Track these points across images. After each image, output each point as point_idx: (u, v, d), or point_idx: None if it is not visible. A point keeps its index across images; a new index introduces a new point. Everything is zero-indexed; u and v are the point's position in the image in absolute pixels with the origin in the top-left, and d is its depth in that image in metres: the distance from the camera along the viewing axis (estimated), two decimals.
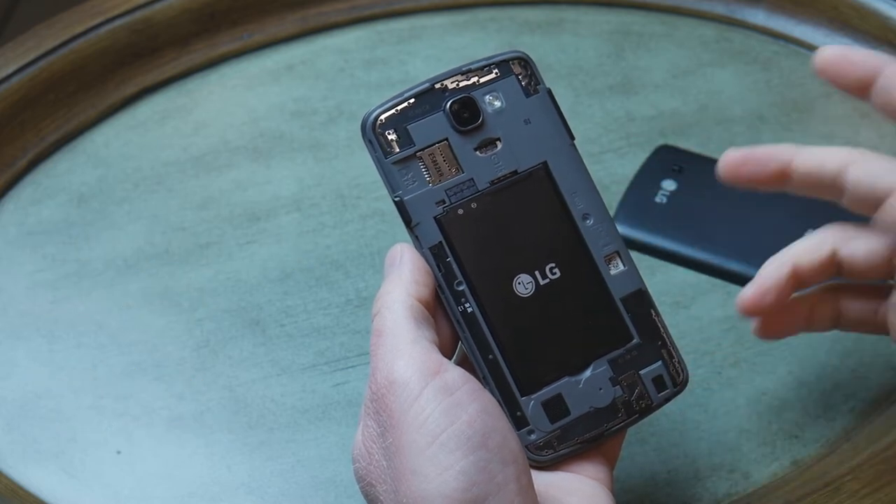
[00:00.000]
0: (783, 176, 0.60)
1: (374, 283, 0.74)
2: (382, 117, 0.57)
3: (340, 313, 0.73)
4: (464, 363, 0.58)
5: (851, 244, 0.60)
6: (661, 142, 0.79)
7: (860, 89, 0.59)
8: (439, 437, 0.51)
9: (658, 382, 0.58)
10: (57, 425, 0.69)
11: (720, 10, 0.86)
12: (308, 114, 0.83)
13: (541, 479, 0.55)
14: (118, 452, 0.68)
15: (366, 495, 0.55)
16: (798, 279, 0.60)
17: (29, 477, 0.67)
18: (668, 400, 0.59)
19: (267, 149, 0.81)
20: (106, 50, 0.84)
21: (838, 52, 0.59)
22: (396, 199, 0.57)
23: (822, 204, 0.74)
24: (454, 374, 0.53)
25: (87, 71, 0.84)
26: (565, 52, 0.85)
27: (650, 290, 0.59)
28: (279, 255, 0.76)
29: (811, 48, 0.84)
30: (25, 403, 0.70)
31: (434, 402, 0.52)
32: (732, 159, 0.61)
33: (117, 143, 0.82)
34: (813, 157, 0.59)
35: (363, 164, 0.80)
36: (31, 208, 0.79)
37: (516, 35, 0.86)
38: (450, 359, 0.57)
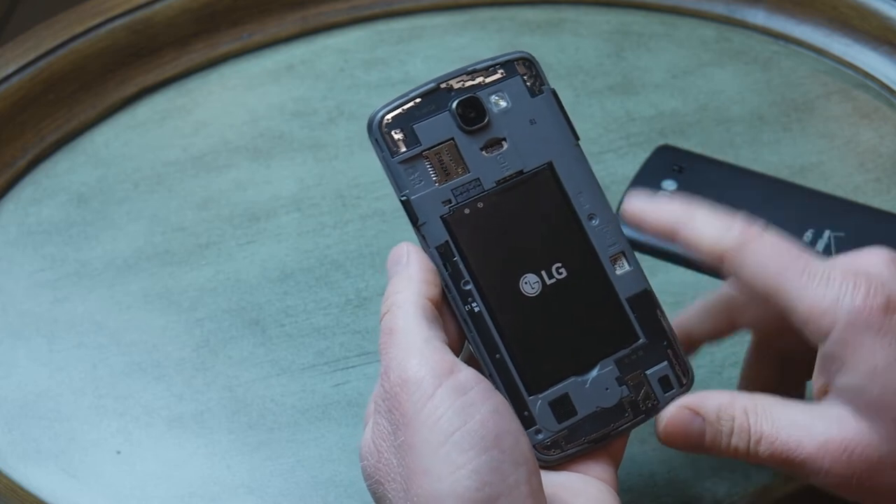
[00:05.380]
0: (672, 238, 0.60)
1: (374, 283, 0.74)
2: (388, 117, 0.57)
3: (340, 313, 0.73)
4: (470, 362, 0.58)
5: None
6: (661, 142, 0.79)
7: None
8: (452, 437, 0.51)
9: (664, 382, 0.58)
10: (57, 425, 0.69)
11: (720, 10, 0.86)
12: (308, 114, 0.83)
13: (547, 480, 0.55)
14: (118, 452, 0.68)
15: (373, 493, 0.54)
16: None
17: (29, 477, 0.67)
18: (673, 399, 0.58)
19: (267, 149, 0.81)
20: (106, 50, 0.84)
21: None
22: (403, 198, 0.57)
23: (822, 204, 0.74)
24: (467, 374, 0.53)
25: (87, 71, 0.84)
26: (565, 52, 0.85)
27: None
28: (279, 255, 0.76)
29: (811, 48, 0.84)
30: (25, 403, 0.70)
31: (447, 402, 0.52)
32: (633, 210, 0.60)
33: (117, 143, 0.82)
34: (694, 235, 0.59)
35: (363, 164, 0.80)
36: (31, 208, 0.79)
37: (516, 35, 0.86)
38: (458, 357, 0.57)
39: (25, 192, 0.80)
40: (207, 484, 0.66)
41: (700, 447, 0.58)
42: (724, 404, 0.58)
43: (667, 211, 0.59)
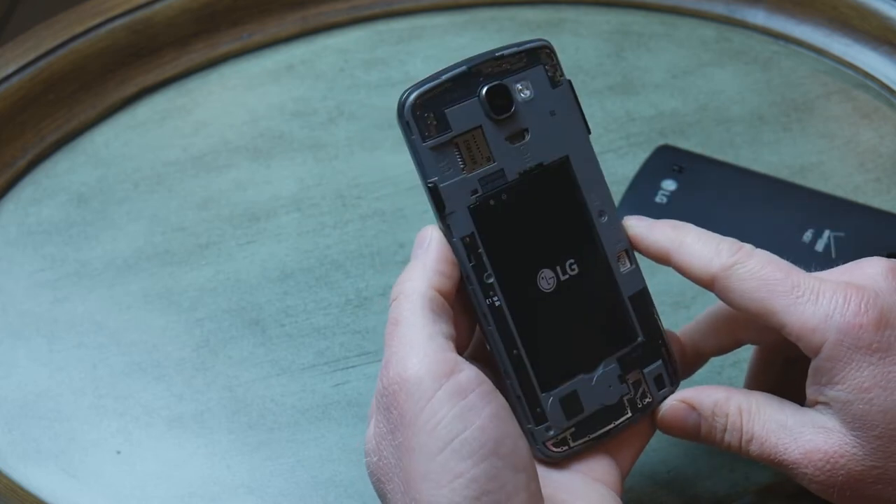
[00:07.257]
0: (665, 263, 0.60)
1: (374, 283, 0.74)
2: (420, 100, 0.55)
3: (340, 313, 0.73)
4: (476, 354, 0.57)
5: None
6: (661, 142, 0.79)
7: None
8: (451, 443, 0.51)
9: (658, 381, 0.59)
10: (57, 425, 0.69)
11: (720, 10, 0.86)
12: (308, 114, 0.83)
13: (548, 482, 0.55)
14: (118, 452, 0.68)
15: (377, 491, 0.54)
16: None
17: (29, 477, 0.67)
18: (665, 398, 0.59)
19: (267, 149, 0.81)
20: (106, 50, 0.84)
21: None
22: (430, 184, 0.55)
23: (822, 204, 0.74)
24: (468, 374, 0.52)
25: (87, 71, 0.84)
26: (565, 52, 0.85)
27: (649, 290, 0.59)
28: (279, 255, 0.76)
29: (811, 48, 0.84)
30: (25, 403, 0.70)
31: (447, 406, 0.51)
32: (629, 234, 0.60)
33: (117, 143, 0.82)
34: (684, 261, 0.59)
35: (363, 164, 0.80)
36: (31, 208, 0.79)
37: (516, 35, 0.86)
38: (464, 352, 0.56)
39: (25, 192, 0.80)
40: (207, 484, 0.66)
41: (695, 438, 0.59)
42: (720, 401, 0.58)
43: (659, 236, 0.59)
